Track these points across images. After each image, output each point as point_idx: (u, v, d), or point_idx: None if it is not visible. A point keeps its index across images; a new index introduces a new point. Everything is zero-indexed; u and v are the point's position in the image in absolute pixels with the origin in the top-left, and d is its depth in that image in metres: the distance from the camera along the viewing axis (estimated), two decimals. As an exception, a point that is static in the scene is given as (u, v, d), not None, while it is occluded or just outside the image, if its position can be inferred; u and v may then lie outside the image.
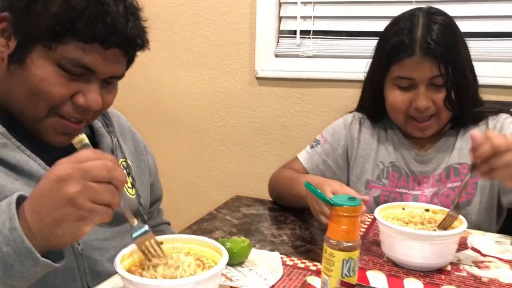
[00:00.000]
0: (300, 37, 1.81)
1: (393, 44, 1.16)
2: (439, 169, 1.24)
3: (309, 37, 1.81)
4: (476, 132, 0.90)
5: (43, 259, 0.67)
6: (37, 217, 0.66)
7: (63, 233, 0.67)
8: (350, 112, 1.37)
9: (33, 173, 0.82)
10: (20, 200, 0.69)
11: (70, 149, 0.81)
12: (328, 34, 1.80)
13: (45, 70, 0.79)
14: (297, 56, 1.83)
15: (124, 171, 1.00)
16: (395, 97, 1.19)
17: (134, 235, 0.74)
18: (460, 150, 1.23)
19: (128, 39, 0.83)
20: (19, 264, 0.66)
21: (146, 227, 0.75)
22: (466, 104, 1.18)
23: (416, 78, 1.14)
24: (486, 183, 1.20)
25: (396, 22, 1.20)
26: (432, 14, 1.16)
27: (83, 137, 0.73)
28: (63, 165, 0.66)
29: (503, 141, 0.86)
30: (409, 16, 1.18)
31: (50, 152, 0.85)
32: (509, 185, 0.92)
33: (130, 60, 0.90)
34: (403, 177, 1.26)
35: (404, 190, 1.25)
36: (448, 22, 1.16)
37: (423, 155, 1.25)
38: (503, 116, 1.23)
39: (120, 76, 0.89)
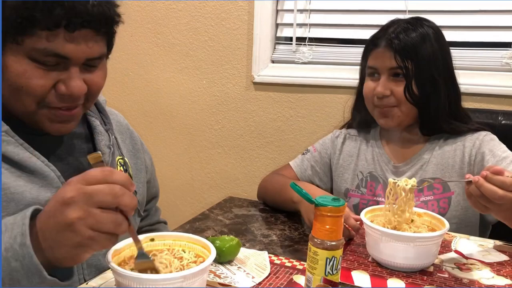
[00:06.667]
0: (296, 44, 1.85)
1: (371, 38, 1.28)
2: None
3: (305, 44, 1.85)
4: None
5: (50, 277, 0.67)
6: (42, 235, 0.67)
7: (62, 257, 0.67)
8: (340, 128, 1.46)
9: (36, 169, 0.83)
10: (36, 212, 0.69)
11: (70, 145, 0.83)
12: (323, 41, 1.84)
13: (19, 66, 0.78)
14: (293, 62, 1.87)
15: (121, 168, 1.01)
16: (366, 86, 1.29)
17: (138, 260, 0.72)
18: (435, 166, 1.27)
19: (92, 17, 0.78)
20: (25, 280, 0.66)
21: (150, 258, 0.73)
22: (435, 103, 1.23)
23: (378, 68, 1.24)
24: (461, 199, 1.23)
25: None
26: (416, 19, 1.25)
27: (98, 155, 0.70)
28: (70, 187, 0.65)
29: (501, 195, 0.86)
30: (397, 19, 1.28)
31: (51, 149, 0.88)
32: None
33: (109, 37, 0.86)
34: (380, 186, 1.31)
35: (381, 199, 1.30)
36: (425, 30, 1.22)
37: (398, 167, 1.30)
38: (483, 133, 1.26)
39: (101, 56, 0.85)
